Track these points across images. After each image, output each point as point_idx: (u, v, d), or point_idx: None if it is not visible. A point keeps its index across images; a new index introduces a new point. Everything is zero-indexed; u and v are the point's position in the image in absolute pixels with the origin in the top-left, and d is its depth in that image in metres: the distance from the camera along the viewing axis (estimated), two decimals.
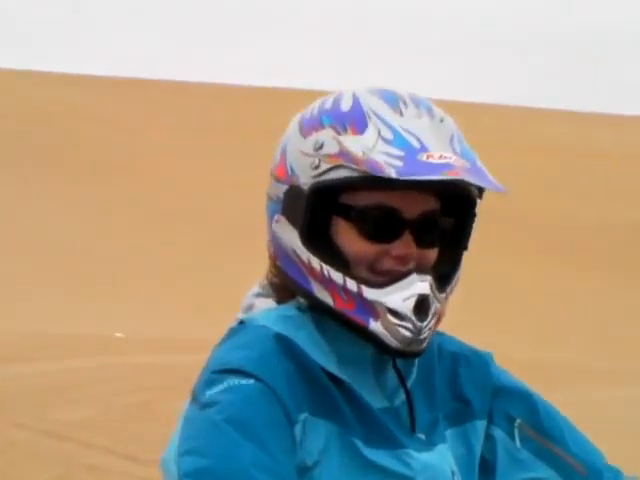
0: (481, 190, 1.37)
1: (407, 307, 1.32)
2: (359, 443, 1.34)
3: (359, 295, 1.33)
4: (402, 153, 1.29)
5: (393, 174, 1.26)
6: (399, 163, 1.28)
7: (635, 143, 23.97)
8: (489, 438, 1.50)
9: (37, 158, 20.15)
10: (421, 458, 1.40)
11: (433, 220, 1.36)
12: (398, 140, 1.32)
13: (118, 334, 11.68)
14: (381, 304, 1.33)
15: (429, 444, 1.42)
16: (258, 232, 1.83)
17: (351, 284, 1.33)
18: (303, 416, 1.32)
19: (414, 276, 1.33)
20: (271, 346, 1.36)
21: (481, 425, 1.49)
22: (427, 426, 1.43)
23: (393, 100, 1.35)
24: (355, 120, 1.33)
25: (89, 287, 12.59)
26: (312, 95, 1.47)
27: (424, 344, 1.35)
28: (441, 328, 1.45)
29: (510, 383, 1.53)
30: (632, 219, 16.15)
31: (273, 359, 1.34)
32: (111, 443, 6.45)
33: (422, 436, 1.41)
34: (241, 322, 1.41)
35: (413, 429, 1.41)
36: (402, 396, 1.40)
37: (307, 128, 1.35)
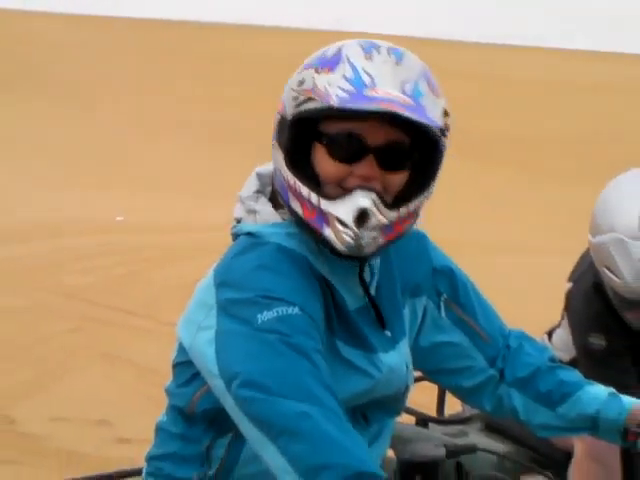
0: (443, 130, 1.46)
1: (349, 217, 1.42)
2: (340, 344, 1.51)
3: (317, 206, 1.43)
4: (352, 88, 1.40)
5: (335, 103, 1.37)
6: (345, 95, 1.39)
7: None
8: (423, 308, 1.70)
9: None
10: (386, 360, 1.56)
11: (396, 148, 1.44)
12: (355, 78, 1.41)
13: (119, 218, 10.66)
14: (331, 213, 1.43)
15: (393, 341, 1.58)
16: None
17: (313, 197, 1.44)
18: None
19: (358, 191, 1.43)
20: (299, 270, 1.48)
21: (424, 300, 1.70)
22: (392, 321, 1.59)
23: (369, 48, 1.45)
24: (332, 62, 1.44)
25: (90, 177, 12.54)
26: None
27: (366, 250, 1.44)
28: None
29: (441, 262, 1.72)
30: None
31: (306, 286, 1.47)
32: (115, 302, 6.81)
33: (388, 333, 1.57)
34: (249, 234, 1.53)
35: (383, 326, 1.56)
36: (369, 293, 1.55)
37: (300, 69, 1.48)
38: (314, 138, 1.47)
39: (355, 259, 1.49)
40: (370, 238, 1.45)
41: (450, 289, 1.74)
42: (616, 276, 2.60)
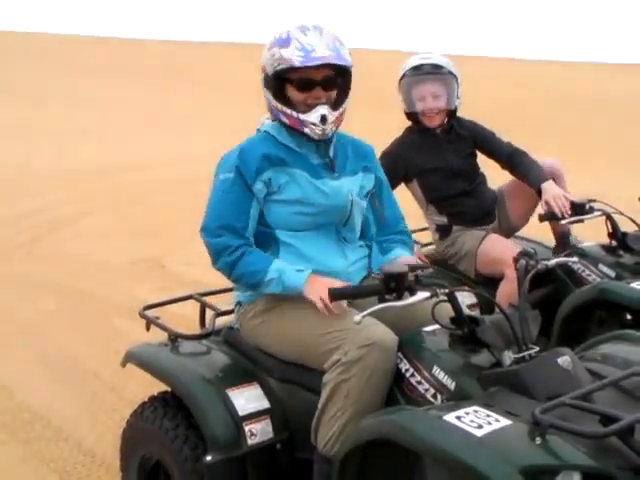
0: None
1: (317, 120, 2.23)
2: (307, 175, 2.30)
3: (297, 117, 2.25)
4: (304, 54, 2.18)
5: (297, 64, 2.15)
6: (302, 59, 2.17)
7: None
8: None
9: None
10: (331, 183, 2.35)
11: (330, 80, 2.28)
12: (303, 48, 2.19)
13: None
14: (306, 120, 2.25)
15: (338, 178, 2.36)
16: None
17: (293, 113, 2.23)
18: (266, 174, 2.20)
19: (319, 106, 2.25)
20: (259, 140, 2.25)
21: (373, 177, 2.48)
22: (339, 170, 2.38)
23: (304, 29, 2.22)
24: (286, 42, 2.23)
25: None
26: None
27: (328, 135, 2.26)
28: None
29: (377, 172, 2.50)
30: None
31: (253, 150, 2.20)
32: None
33: (336, 174, 2.37)
34: (258, 130, 2.35)
35: (333, 171, 2.37)
36: (329, 157, 2.35)
37: (267, 47, 2.27)
38: (285, 82, 2.26)
39: (321, 141, 2.28)
40: (329, 129, 2.24)
41: (377, 188, 2.50)
42: (401, 96, 3.84)
